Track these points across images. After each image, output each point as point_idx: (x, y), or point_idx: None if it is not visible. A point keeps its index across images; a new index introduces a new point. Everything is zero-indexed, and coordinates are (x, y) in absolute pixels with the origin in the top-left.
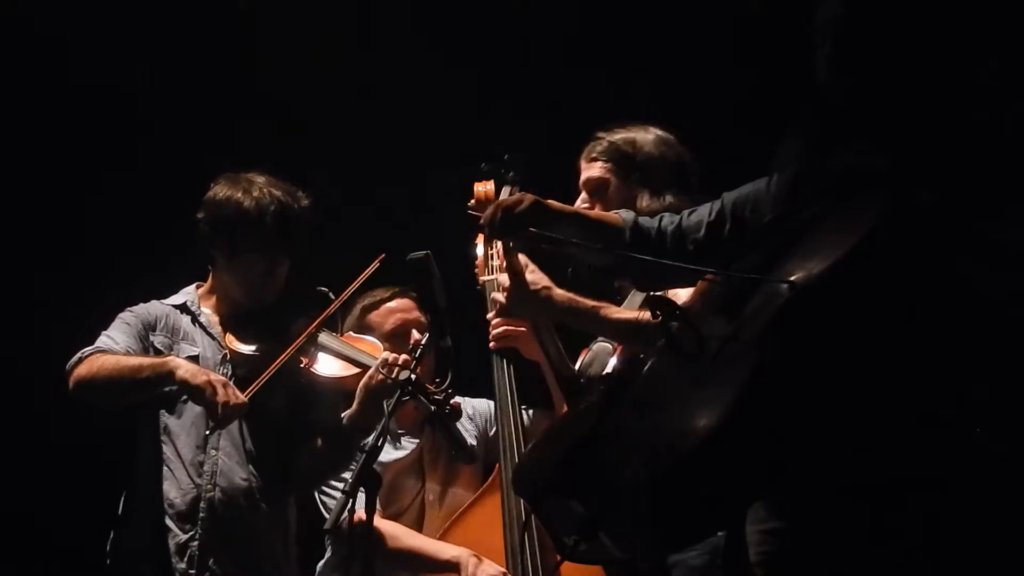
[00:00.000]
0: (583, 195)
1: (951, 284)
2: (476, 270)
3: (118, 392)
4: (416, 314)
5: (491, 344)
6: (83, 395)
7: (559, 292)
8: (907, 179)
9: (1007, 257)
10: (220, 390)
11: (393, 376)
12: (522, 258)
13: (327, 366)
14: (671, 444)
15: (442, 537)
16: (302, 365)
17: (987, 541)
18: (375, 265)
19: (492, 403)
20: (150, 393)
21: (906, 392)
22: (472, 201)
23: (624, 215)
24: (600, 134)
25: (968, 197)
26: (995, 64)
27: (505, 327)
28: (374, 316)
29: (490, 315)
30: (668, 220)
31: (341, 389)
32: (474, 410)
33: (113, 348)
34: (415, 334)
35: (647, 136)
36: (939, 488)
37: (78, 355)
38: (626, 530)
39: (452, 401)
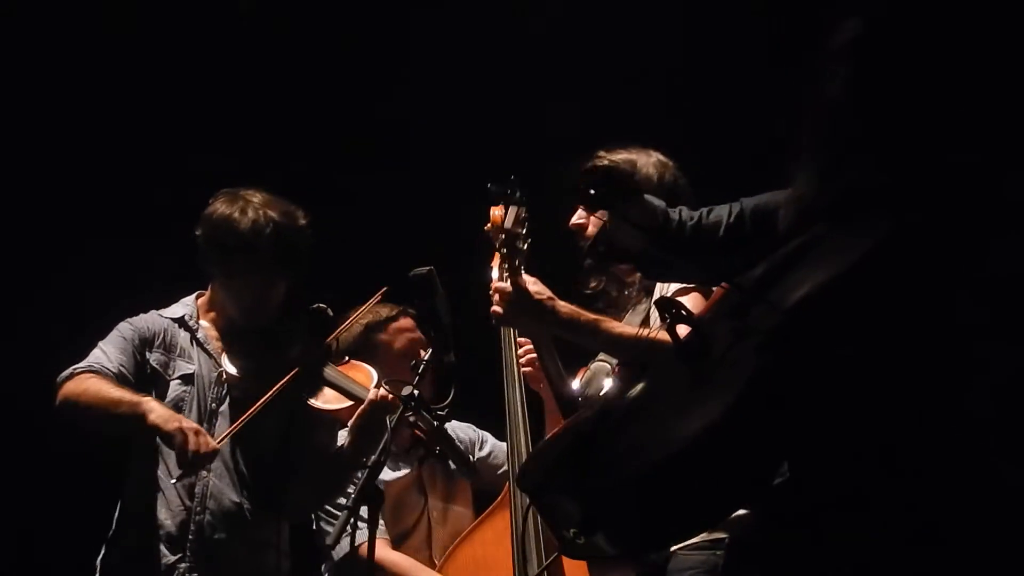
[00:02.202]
0: (579, 211)
1: (940, 308)
2: (491, 292)
3: (96, 420)
4: (419, 333)
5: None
6: (67, 415)
7: (562, 304)
8: (905, 202)
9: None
10: (191, 438)
11: (384, 414)
12: (524, 276)
13: (326, 398)
14: (665, 442)
15: (452, 554)
16: (301, 396)
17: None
18: (377, 298)
19: (478, 430)
20: (124, 429)
21: (897, 405)
22: (488, 225)
23: (656, 203)
24: (601, 153)
25: (963, 224)
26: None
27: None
28: (382, 336)
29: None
30: (687, 214)
31: (335, 421)
32: (462, 433)
33: (105, 366)
34: (423, 354)
35: (648, 159)
36: (932, 500)
37: (69, 370)
38: (621, 526)
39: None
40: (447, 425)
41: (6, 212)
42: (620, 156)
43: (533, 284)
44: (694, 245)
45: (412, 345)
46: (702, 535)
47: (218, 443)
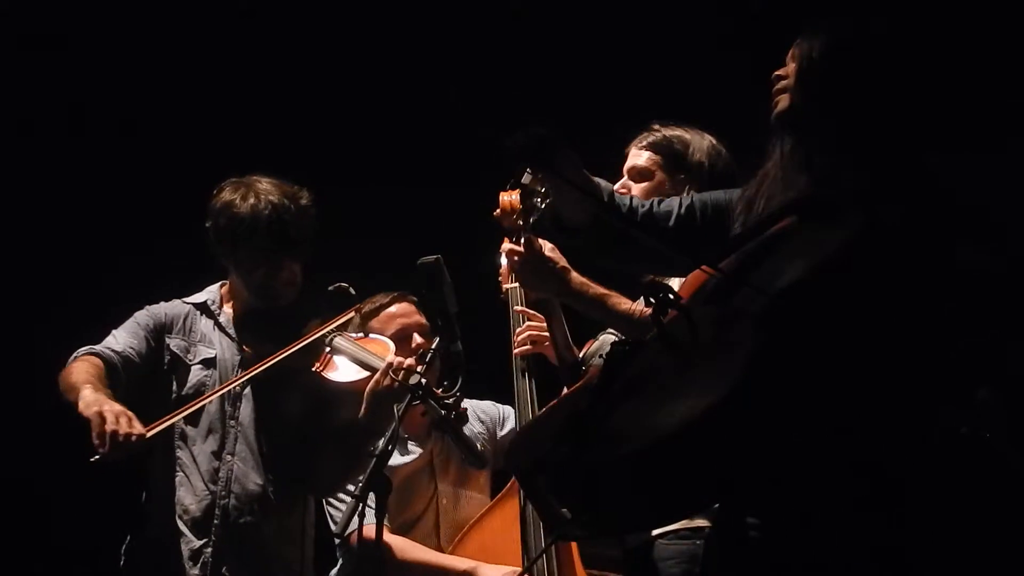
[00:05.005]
0: (624, 179)
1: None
2: (500, 278)
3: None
4: (416, 318)
5: (516, 351)
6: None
7: (575, 274)
8: (879, 197)
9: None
10: (110, 419)
11: (399, 380)
12: (540, 240)
13: (340, 370)
14: (656, 425)
15: (460, 541)
16: (316, 369)
17: (979, 537)
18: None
19: (500, 406)
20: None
21: (885, 386)
22: (497, 211)
23: (603, 184)
24: (656, 125)
25: (934, 219)
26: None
27: (530, 332)
28: (375, 323)
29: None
30: (638, 201)
31: (354, 392)
32: (484, 413)
33: (111, 348)
34: (416, 338)
35: (702, 141)
36: (925, 480)
37: (75, 353)
38: (617, 504)
39: (460, 406)
40: (467, 403)
41: (43, 214)
42: (675, 133)
43: (551, 251)
44: (644, 232)
45: (402, 330)
46: (683, 523)
47: (149, 430)
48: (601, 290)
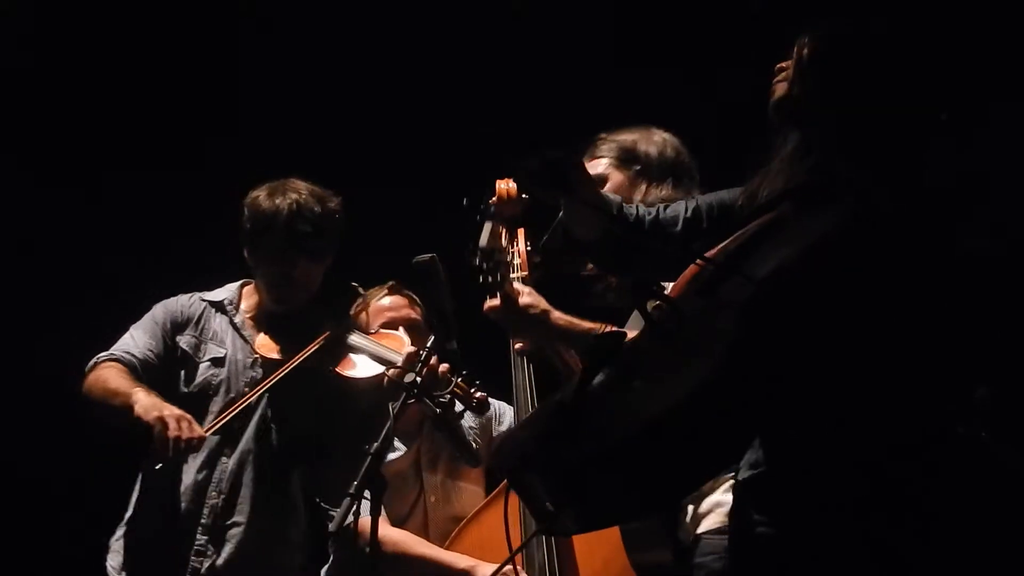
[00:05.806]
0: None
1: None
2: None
3: (102, 412)
4: (406, 312)
5: (515, 346)
6: (86, 406)
7: (557, 315)
8: (872, 187)
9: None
10: (172, 425)
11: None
12: (517, 285)
13: (358, 367)
14: (646, 416)
15: (457, 535)
16: (332, 369)
17: (978, 537)
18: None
19: (496, 402)
20: (123, 421)
21: (883, 382)
22: (494, 198)
23: (611, 197)
24: (602, 135)
25: (933, 213)
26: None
27: None
28: (365, 315)
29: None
30: (644, 210)
31: (375, 387)
32: None
33: (130, 352)
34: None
35: (650, 136)
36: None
37: (94, 360)
38: (602, 500)
39: (478, 395)
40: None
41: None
42: (622, 136)
43: (527, 296)
44: (654, 239)
45: (390, 323)
46: (724, 520)
47: (207, 431)
48: (587, 325)
